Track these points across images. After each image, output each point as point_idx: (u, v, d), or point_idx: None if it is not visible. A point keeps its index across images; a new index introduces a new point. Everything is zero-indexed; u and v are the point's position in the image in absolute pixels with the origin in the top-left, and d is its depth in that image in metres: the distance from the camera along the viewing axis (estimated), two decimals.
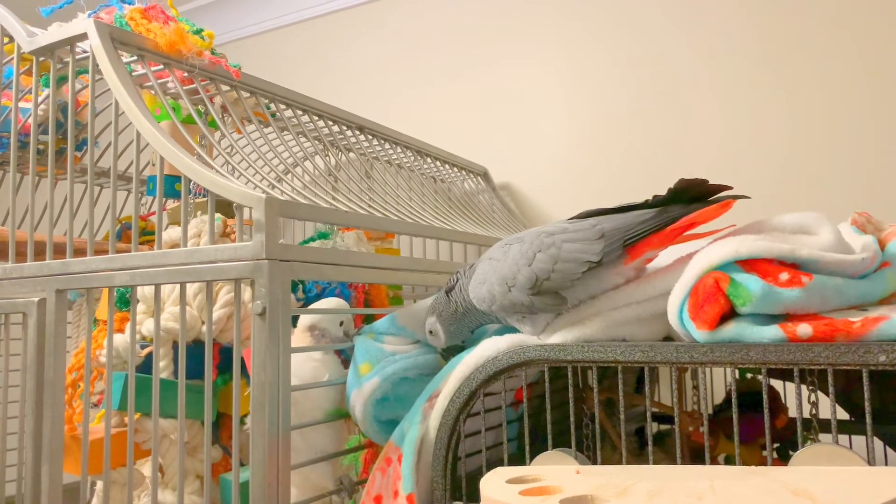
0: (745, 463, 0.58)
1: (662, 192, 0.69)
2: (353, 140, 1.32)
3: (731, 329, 0.59)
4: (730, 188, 0.67)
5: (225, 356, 1.06)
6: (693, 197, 0.68)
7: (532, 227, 0.78)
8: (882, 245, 0.65)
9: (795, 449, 0.56)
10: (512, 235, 0.77)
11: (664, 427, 1.17)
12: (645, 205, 0.71)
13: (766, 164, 1.48)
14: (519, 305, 0.72)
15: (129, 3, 1.04)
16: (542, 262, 0.70)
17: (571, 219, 0.75)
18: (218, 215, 1.12)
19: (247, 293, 0.98)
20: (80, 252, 0.93)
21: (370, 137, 1.38)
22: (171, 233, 1.11)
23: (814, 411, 0.84)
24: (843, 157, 1.41)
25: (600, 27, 1.69)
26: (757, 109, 1.50)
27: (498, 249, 0.76)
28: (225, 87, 1.05)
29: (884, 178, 1.37)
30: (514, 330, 0.77)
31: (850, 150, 1.41)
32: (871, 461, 0.54)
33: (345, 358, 0.97)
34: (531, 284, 0.70)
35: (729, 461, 0.97)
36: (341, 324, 0.96)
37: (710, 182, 0.66)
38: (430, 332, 0.83)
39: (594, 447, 0.87)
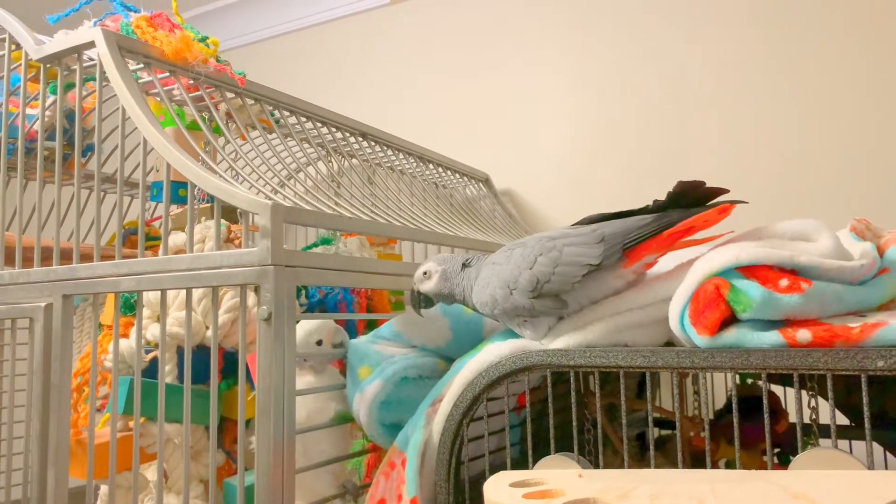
0: (745, 468, 0.59)
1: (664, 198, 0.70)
2: (356, 146, 1.33)
3: (732, 335, 0.60)
4: (727, 191, 0.68)
5: (229, 361, 1.07)
6: (692, 201, 0.69)
7: (534, 233, 0.79)
8: (881, 251, 0.65)
9: (796, 454, 0.56)
10: (515, 241, 0.78)
11: (665, 432, 1.17)
12: (645, 210, 0.71)
13: (769, 171, 1.49)
14: (520, 308, 0.72)
15: (135, 11, 1.05)
16: (543, 265, 0.71)
17: (574, 224, 0.76)
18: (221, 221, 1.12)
19: (250, 298, 0.98)
20: (86, 257, 0.93)
21: (373, 144, 1.39)
22: (175, 238, 1.12)
23: (814, 416, 0.84)
24: (843, 165, 1.42)
25: (604, 33, 1.70)
26: (760, 116, 1.51)
27: (501, 254, 0.77)
28: (230, 94, 1.06)
29: (882, 185, 1.38)
30: (515, 334, 0.77)
31: (850, 157, 1.42)
32: (870, 465, 0.54)
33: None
34: (532, 287, 0.71)
35: (730, 466, 0.98)
36: (319, 342, 0.95)
37: (708, 185, 0.67)
38: (425, 272, 0.84)
39: (596, 451, 0.88)
